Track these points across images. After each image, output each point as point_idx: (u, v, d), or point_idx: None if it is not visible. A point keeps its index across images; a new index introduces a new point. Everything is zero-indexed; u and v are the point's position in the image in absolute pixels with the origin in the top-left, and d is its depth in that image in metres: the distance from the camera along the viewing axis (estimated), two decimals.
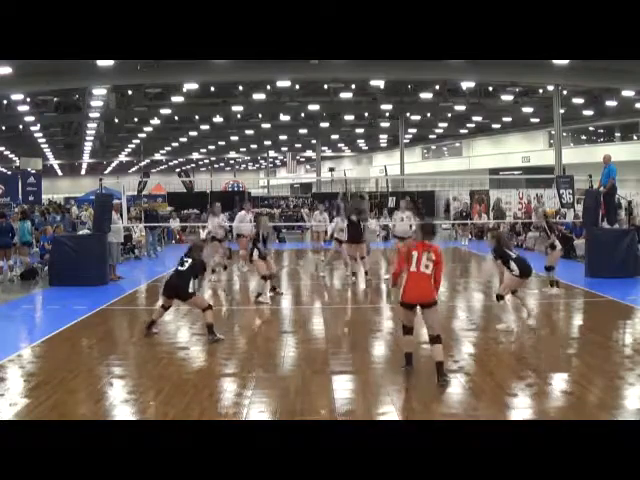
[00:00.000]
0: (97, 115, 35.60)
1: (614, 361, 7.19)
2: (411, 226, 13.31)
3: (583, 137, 45.80)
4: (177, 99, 32.61)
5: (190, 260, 8.55)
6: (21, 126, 40.02)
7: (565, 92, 32.10)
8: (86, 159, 61.88)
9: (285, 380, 6.66)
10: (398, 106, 36.71)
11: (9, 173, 50.03)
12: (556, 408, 5.61)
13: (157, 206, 31.59)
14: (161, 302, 9.09)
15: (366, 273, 13.55)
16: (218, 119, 41.81)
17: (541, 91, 34.03)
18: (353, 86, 33.15)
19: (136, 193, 29.71)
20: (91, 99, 32.02)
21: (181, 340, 8.62)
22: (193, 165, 76.67)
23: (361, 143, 59.64)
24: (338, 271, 15.16)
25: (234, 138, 53.43)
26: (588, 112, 37.33)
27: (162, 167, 76.16)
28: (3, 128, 40.92)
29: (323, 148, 57.28)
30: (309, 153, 62.11)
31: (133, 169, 70.02)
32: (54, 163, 64.00)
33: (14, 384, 6.58)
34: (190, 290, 8.46)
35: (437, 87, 33.38)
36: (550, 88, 30.61)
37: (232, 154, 69.38)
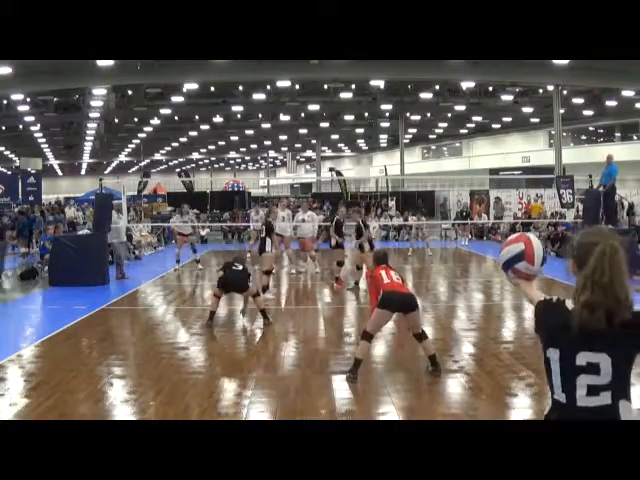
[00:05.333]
0: (97, 115, 35.58)
1: None
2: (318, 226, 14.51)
3: (583, 137, 45.79)
4: (177, 99, 32.60)
5: (241, 265, 9.45)
6: (21, 126, 40.00)
7: (565, 92, 32.10)
8: (86, 159, 61.83)
9: (285, 380, 6.66)
10: (398, 106, 36.69)
11: (9, 173, 50.05)
12: None
13: (157, 206, 31.61)
14: (214, 292, 9.65)
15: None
16: (218, 119, 41.79)
17: (541, 91, 34.01)
18: (353, 86, 33.13)
19: (136, 193, 29.71)
20: (91, 99, 32.00)
21: (181, 340, 8.63)
22: (193, 165, 76.65)
23: (361, 143, 59.61)
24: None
25: (234, 138, 53.42)
26: (588, 112, 37.32)
27: (162, 167, 76.15)
28: (3, 128, 40.90)
29: (323, 148, 57.25)
30: (309, 153, 62.09)
31: (133, 169, 70.00)
32: (54, 163, 63.97)
33: (14, 384, 6.58)
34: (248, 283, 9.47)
35: (437, 87, 33.37)
36: (550, 88, 30.61)
37: (232, 154, 69.35)
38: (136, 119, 40.71)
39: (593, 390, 2.28)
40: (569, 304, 2.37)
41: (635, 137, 41.13)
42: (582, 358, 2.30)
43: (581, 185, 17.54)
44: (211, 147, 61.79)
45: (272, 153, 65.66)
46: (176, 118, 41.64)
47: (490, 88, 33.94)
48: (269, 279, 11.86)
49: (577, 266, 2.37)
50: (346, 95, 33.53)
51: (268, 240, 11.55)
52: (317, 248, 15.26)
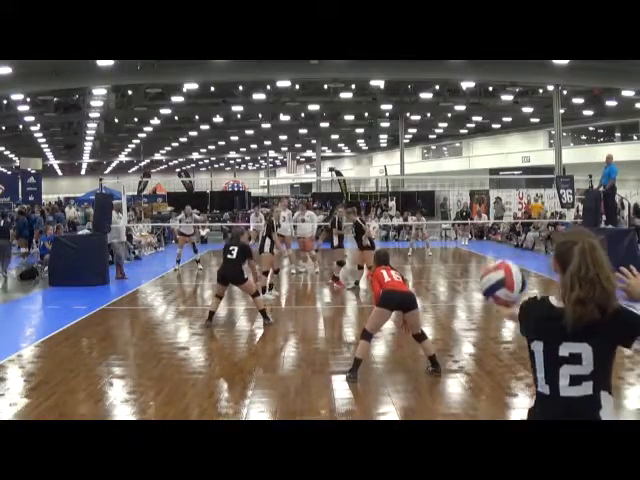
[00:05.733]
0: (97, 115, 35.59)
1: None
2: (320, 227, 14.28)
3: (583, 137, 45.79)
4: (177, 99, 32.61)
5: (236, 248, 9.27)
6: (21, 126, 40.01)
7: (565, 92, 32.10)
8: (86, 159, 61.85)
9: (285, 380, 6.66)
10: (398, 106, 36.70)
11: (9, 173, 50.07)
12: None
13: (157, 206, 31.61)
14: (215, 292, 9.62)
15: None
16: (218, 119, 41.80)
17: (541, 91, 34.03)
18: (353, 86, 33.14)
19: (136, 193, 29.71)
20: (91, 99, 32.02)
21: (181, 340, 8.63)
22: (193, 165, 76.65)
23: (361, 143, 59.62)
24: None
25: (234, 138, 53.43)
26: (588, 112, 37.34)
27: (162, 167, 76.17)
28: (3, 128, 40.90)
29: (323, 148, 57.25)
30: (309, 153, 62.10)
31: (133, 169, 70.01)
32: (54, 163, 63.98)
33: (14, 384, 6.58)
34: (245, 276, 9.23)
35: (437, 87, 33.37)
36: (550, 88, 30.61)
37: (232, 154, 69.37)
38: (136, 119, 40.72)
39: (576, 380, 2.39)
40: (553, 300, 2.51)
41: (635, 137, 41.12)
42: (565, 349, 2.41)
43: (581, 185, 17.53)
44: (211, 147, 61.80)
45: (272, 153, 65.66)
46: (176, 118, 41.66)
47: (490, 88, 33.94)
48: (268, 279, 11.84)
49: (560, 265, 2.49)
50: (346, 95, 33.53)
51: (268, 240, 11.53)
52: (317, 248, 15.27)
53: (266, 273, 11.69)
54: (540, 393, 2.51)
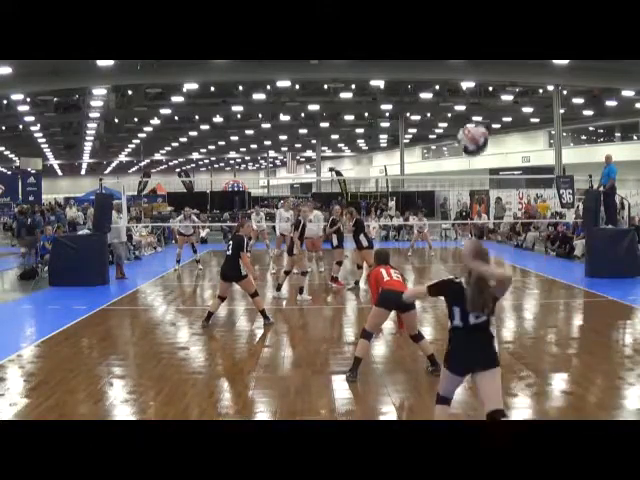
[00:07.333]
0: (97, 115, 35.60)
1: (614, 361, 7.19)
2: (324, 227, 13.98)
3: (583, 137, 45.80)
4: (177, 99, 32.62)
5: (231, 242, 9.22)
6: (21, 126, 40.01)
7: (565, 92, 32.10)
8: (86, 159, 61.87)
9: (285, 380, 6.66)
10: (398, 106, 36.72)
11: (9, 173, 50.08)
12: (556, 408, 5.61)
13: (157, 206, 31.62)
14: (218, 292, 9.54)
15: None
16: (218, 119, 41.82)
17: (541, 91, 34.03)
18: (353, 86, 33.15)
19: (136, 193, 29.72)
20: (91, 99, 32.02)
21: (181, 340, 8.63)
22: (193, 165, 76.66)
23: (361, 143, 59.64)
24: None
25: (234, 138, 53.45)
26: (588, 112, 37.34)
27: (162, 167, 76.19)
28: (3, 128, 40.91)
29: (323, 148, 57.27)
30: (309, 153, 62.13)
31: (133, 169, 70.03)
32: (54, 163, 64.00)
33: (14, 384, 6.58)
34: (242, 273, 9.14)
35: (437, 87, 33.38)
36: (550, 88, 30.61)
37: (232, 154, 69.38)
38: (136, 119, 40.74)
39: (478, 317, 4.13)
40: (462, 282, 4.17)
41: (635, 137, 41.13)
42: None
43: (581, 185, 17.52)
44: (211, 147, 61.82)
45: (272, 153, 65.68)
46: (176, 118, 41.67)
47: (490, 88, 33.95)
48: (306, 280, 12.01)
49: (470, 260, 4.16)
50: (346, 95, 33.54)
51: (297, 241, 11.56)
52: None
53: (304, 274, 11.75)
54: (456, 326, 4.21)
